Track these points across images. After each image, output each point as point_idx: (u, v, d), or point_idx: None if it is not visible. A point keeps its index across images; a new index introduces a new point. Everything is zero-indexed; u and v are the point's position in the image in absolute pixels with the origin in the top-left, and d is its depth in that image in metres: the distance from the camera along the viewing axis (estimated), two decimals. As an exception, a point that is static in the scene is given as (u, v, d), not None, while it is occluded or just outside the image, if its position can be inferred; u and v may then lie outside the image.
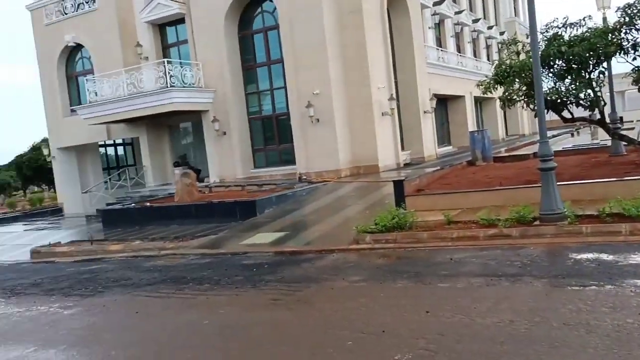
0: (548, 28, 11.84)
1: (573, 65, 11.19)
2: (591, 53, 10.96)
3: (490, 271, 7.15)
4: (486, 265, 7.50)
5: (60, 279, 10.63)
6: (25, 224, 23.25)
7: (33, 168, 35.88)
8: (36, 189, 57.43)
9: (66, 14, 24.98)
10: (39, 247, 14.95)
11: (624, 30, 11.09)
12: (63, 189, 26.84)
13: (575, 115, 12.77)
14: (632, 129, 25.46)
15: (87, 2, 24.30)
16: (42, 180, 42.46)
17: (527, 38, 12.53)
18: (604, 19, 13.08)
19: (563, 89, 11.49)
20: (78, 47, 25.29)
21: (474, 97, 31.95)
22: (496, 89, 12.48)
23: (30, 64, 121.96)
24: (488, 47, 38.73)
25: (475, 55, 35.46)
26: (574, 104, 11.81)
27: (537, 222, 9.01)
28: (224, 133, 21.87)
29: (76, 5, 24.64)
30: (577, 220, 8.70)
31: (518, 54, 12.48)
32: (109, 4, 23.72)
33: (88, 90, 22.54)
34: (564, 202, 9.03)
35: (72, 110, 25.00)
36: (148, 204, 17.58)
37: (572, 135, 28.50)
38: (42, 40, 26.01)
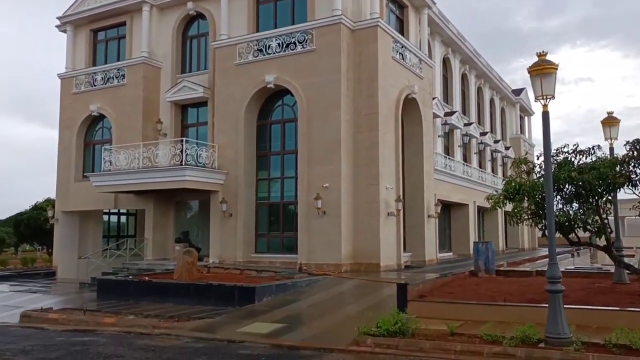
0: (558, 152, 12.36)
1: (582, 191, 11.56)
2: (600, 182, 11.37)
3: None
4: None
5: (50, 349, 10.34)
6: (16, 284, 22.82)
7: (32, 227, 35.74)
8: (28, 247, 56.78)
9: (95, 85, 26.12)
10: (30, 311, 14.64)
11: (632, 164, 11.58)
12: (60, 252, 26.62)
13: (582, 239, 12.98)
14: (633, 256, 25.57)
15: (117, 77, 25.49)
16: (38, 241, 42.10)
17: (537, 159, 13.04)
18: (611, 150, 13.67)
19: (571, 213, 11.80)
20: (100, 116, 26.16)
21: (477, 206, 32.45)
22: (505, 204, 12.78)
23: (37, 124, 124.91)
24: (493, 159, 39.88)
25: (480, 166, 36.44)
26: (581, 228, 12.06)
27: (542, 345, 8.90)
28: (230, 215, 22.06)
29: (106, 78, 25.83)
30: (583, 347, 8.60)
31: (528, 173, 12.91)
32: (137, 81, 24.85)
33: (104, 159, 23.06)
34: (569, 326, 8.98)
35: (84, 176, 25.42)
36: (146, 278, 17.37)
37: (573, 255, 28.58)
38: (67, 107, 26.97)
